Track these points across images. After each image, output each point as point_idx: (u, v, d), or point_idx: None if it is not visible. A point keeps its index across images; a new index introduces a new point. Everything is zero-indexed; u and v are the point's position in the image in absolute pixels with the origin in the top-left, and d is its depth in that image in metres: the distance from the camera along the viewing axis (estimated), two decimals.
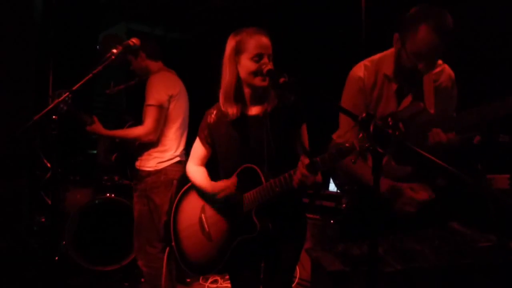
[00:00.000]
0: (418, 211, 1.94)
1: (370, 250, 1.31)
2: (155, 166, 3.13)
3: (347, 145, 1.62)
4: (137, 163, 3.22)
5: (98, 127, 3.10)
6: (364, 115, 1.35)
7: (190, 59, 5.33)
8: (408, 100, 2.12)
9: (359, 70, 2.17)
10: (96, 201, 3.92)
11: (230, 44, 2.03)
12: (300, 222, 2.20)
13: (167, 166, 3.14)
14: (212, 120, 2.19)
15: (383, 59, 2.16)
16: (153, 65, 3.25)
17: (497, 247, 1.64)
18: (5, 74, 4.12)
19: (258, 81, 1.97)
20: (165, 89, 3.11)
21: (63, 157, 4.20)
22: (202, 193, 2.25)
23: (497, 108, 1.76)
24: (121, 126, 3.36)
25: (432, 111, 2.06)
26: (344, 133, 2.18)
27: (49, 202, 3.46)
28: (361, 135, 1.46)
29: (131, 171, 3.42)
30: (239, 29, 2.04)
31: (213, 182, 2.17)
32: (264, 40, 1.97)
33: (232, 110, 2.06)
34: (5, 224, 4.06)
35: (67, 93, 2.06)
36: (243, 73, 2.00)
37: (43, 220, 3.64)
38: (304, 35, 4.30)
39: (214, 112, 2.19)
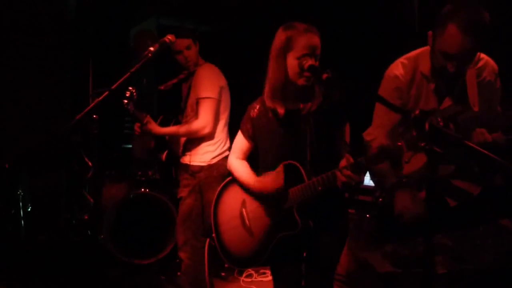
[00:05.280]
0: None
1: (425, 253, 1.26)
2: (209, 161, 3.08)
3: (395, 144, 1.58)
4: (187, 158, 3.15)
5: (154, 126, 3.09)
6: (417, 112, 1.30)
7: (222, 52, 5.30)
8: (450, 98, 2.04)
9: (396, 68, 2.11)
10: (131, 196, 3.97)
11: (280, 38, 1.97)
12: (342, 217, 2.18)
13: (219, 161, 3.10)
14: (255, 115, 2.17)
15: (420, 56, 2.09)
16: (199, 58, 3.19)
17: None
18: (43, 74, 4.22)
19: (302, 81, 1.94)
20: (217, 81, 3.07)
21: (100, 152, 4.27)
22: (244, 187, 2.22)
23: None
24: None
25: (476, 108, 1.97)
26: (375, 130, 2.13)
27: (91, 200, 3.50)
28: (414, 133, 1.40)
29: (176, 167, 3.39)
30: (290, 24, 1.98)
31: (258, 178, 2.14)
32: (314, 40, 1.92)
33: (280, 108, 2.03)
34: (44, 217, 4.17)
35: (107, 92, 2.05)
36: (289, 71, 1.96)
37: (86, 217, 3.70)
38: (346, 29, 4.14)
39: (257, 106, 2.17)
